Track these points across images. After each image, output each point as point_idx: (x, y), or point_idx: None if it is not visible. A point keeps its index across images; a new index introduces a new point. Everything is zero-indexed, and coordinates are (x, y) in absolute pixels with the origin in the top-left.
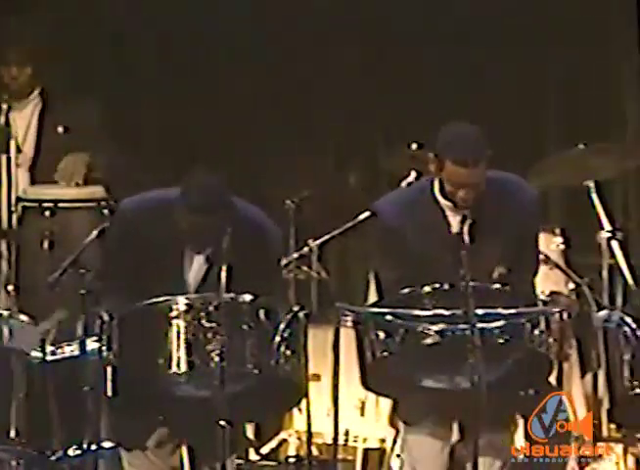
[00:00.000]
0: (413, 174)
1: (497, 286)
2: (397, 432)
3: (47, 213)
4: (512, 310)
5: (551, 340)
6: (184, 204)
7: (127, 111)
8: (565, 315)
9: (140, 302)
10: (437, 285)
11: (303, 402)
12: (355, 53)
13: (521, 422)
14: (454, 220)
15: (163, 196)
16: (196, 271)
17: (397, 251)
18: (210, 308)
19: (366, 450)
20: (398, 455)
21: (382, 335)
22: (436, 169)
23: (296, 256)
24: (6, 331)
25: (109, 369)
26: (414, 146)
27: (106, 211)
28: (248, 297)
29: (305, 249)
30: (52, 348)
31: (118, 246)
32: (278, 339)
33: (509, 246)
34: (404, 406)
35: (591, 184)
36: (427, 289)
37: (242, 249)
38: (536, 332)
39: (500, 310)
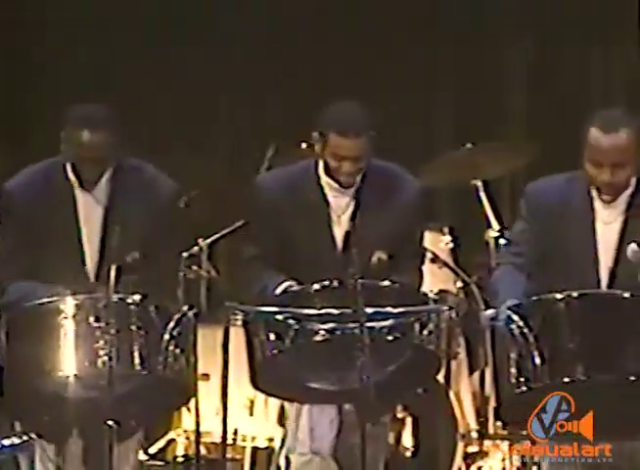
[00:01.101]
0: None
1: (386, 283)
2: (285, 431)
3: None
4: (401, 309)
5: (439, 338)
6: None
7: None
8: (453, 314)
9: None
10: (327, 283)
11: (192, 402)
12: (244, 53)
13: (409, 421)
14: (335, 202)
15: None
16: None
17: (271, 225)
18: (99, 308)
19: (255, 450)
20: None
21: (271, 334)
22: (321, 148)
23: (185, 255)
24: None
25: None
26: (304, 145)
27: None
28: (137, 296)
29: (195, 248)
30: None
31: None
32: (167, 338)
33: (390, 233)
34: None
35: (479, 183)
36: (316, 286)
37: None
38: (425, 331)
39: (389, 309)
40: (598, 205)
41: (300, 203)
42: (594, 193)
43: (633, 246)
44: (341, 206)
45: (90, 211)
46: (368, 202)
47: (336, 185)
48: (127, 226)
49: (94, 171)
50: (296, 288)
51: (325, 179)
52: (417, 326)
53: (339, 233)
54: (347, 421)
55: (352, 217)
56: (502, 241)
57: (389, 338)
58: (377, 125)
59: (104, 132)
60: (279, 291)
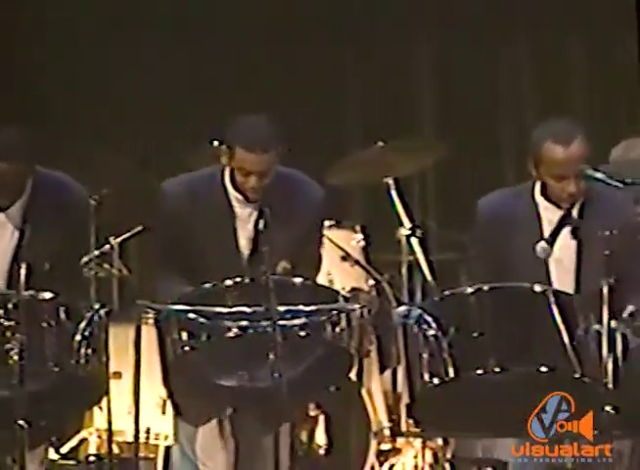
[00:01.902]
0: None
1: (299, 280)
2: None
3: None
4: (313, 307)
5: (351, 336)
6: None
7: None
8: (365, 312)
9: None
10: (239, 279)
11: (104, 401)
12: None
13: (321, 419)
14: (241, 212)
15: None
16: None
17: (174, 231)
18: (9, 306)
19: (167, 448)
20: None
21: (183, 333)
22: (228, 160)
23: (96, 253)
24: None
25: None
26: (216, 143)
27: None
28: (48, 294)
29: (106, 246)
30: None
31: None
32: (79, 337)
33: (294, 241)
34: (189, 409)
35: (390, 181)
36: (228, 282)
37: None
38: (337, 328)
39: (301, 307)
40: (545, 216)
41: (205, 210)
42: (542, 205)
43: (542, 243)
44: (245, 214)
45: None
46: (272, 209)
47: (241, 197)
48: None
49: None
50: (208, 285)
51: (231, 191)
52: (329, 324)
53: (244, 241)
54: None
55: (256, 224)
56: (412, 239)
57: (301, 336)
58: (285, 138)
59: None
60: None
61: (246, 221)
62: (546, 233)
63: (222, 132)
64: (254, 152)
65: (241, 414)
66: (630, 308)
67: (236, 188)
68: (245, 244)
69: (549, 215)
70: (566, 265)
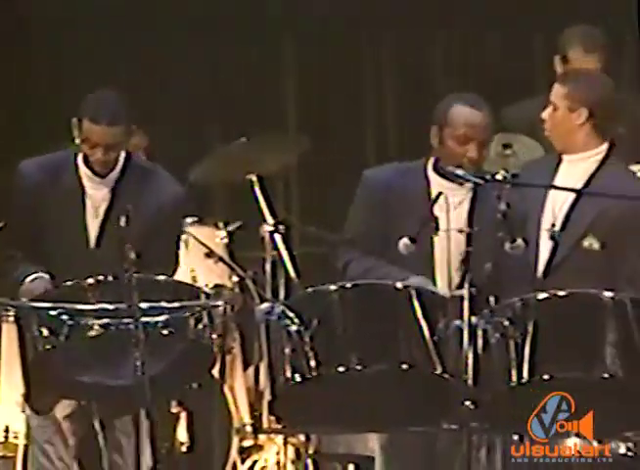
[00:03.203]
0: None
1: (162, 277)
2: None
3: None
4: (176, 304)
5: (214, 333)
6: None
7: None
8: (228, 308)
9: None
10: (101, 277)
11: None
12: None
13: (183, 415)
14: (92, 194)
15: None
16: None
17: (30, 213)
18: None
19: (27, 447)
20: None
21: (44, 330)
22: (78, 135)
23: None
24: None
25: None
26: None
27: None
28: None
29: None
30: None
31: None
32: None
33: (145, 232)
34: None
35: (254, 178)
36: (90, 281)
37: None
38: (199, 325)
39: (164, 304)
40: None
41: (59, 192)
42: (435, 181)
43: (405, 240)
44: (98, 198)
45: None
46: (125, 196)
47: (91, 174)
48: None
49: None
50: (69, 282)
51: (82, 169)
52: (192, 321)
53: (94, 225)
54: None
55: (108, 210)
56: (276, 236)
57: (164, 332)
58: (138, 119)
59: None
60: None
61: (98, 205)
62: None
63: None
64: (100, 124)
65: (102, 411)
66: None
67: (87, 165)
68: (94, 229)
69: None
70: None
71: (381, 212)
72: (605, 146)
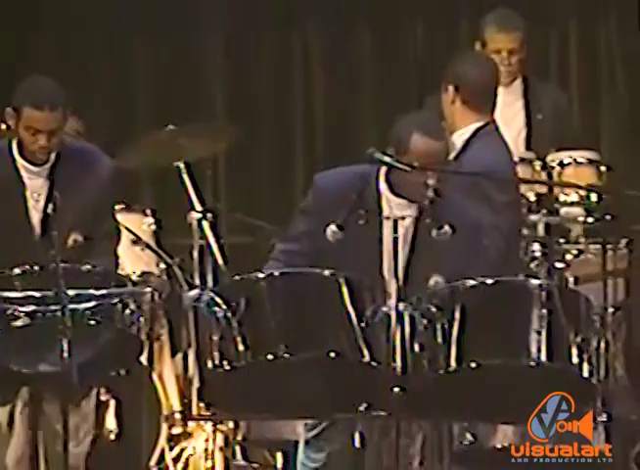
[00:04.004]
0: None
1: (88, 267)
2: None
3: None
4: (103, 291)
5: (142, 320)
6: None
7: None
8: (156, 296)
9: None
10: (28, 267)
11: None
12: None
13: (112, 403)
14: (30, 184)
15: None
16: None
17: None
18: None
19: None
20: None
21: None
22: (15, 124)
23: None
24: None
25: None
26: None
27: None
28: None
29: None
30: None
31: None
32: None
33: (85, 213)
34: None
35: (181, 165)
36: (16, 271)
37: None
38: (127, 312)
39: (91, 291)
40: (387, 197)
41: None
42: (383, 186)
43: (332, 227)
44: (36, 187)
45: None
46: (62, 182)
47: (29, 165)
48: None
49: None
50: None
51: (19, 161)
52: (119, 308)
53: (36, 216)
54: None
55: (48, 199)
56: (204, 223)
57: (91, 320)
58: (72, 103)
59: None
60: None
61: (38, 195)
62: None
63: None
64: (43, 109)
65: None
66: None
67: (24, 157)
68: (37, 219)
69: (391, 198)
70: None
71: (328, 218)
72: (476, 124)
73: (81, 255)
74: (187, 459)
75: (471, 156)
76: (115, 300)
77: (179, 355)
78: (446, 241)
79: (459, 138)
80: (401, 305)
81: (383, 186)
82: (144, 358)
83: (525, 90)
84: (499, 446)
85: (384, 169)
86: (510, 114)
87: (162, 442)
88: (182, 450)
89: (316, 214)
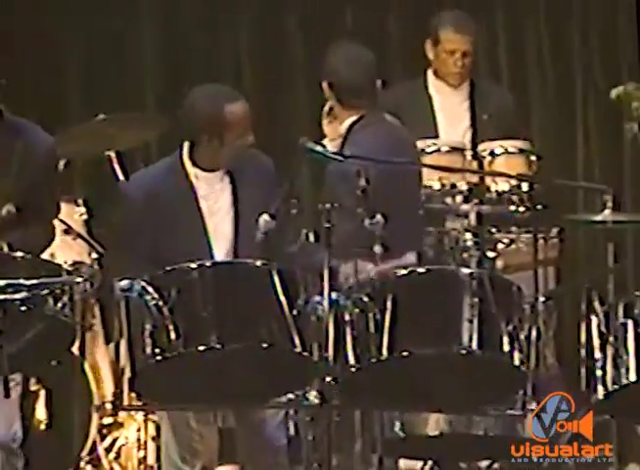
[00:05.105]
0: None
1: (19, 254)
2: None
3: None
4: (34, 281)
5: (74, 310)
6: None
7: None
8: (88, 285)
9: None
10: None
11: None
12: None
13: (42, 393)
14: None
15: None
16: None
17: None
18: None
19: None
20: None
21: None
22: None
23: None
24: None
25: None
26: None
27: None
28: None
29: None
30: None
31: None
32: None
33: (17, 185)
34: None
35: (112, 154)
36: None
37: None
38: (59, 302)
39: (22, 281)
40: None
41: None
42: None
43: (265, 216)
44: None
45: None
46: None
47: None
48: None
49: None
50: None
51: None
52: (50, 298)
53: None
54: None
55: None
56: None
57: (22, 310)
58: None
59: None
60: None
61: None
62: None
63: None
64: None
65: None
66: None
67: None
68: None
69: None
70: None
71: (147, 219)
72: (350, 120)
73: (12, 226)
74: (119, 449)
75: (347, 150)
76: (47, 289)
77: (111, 345)
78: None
79: (341, 132)
80: (333, 295)
81: (188, 164)
82: (76, 348)
83: (472, 92)
84: (431, 434)
85: (186, 149)
86: (456, 115)
87: (94, 432)
88: (114, 441)
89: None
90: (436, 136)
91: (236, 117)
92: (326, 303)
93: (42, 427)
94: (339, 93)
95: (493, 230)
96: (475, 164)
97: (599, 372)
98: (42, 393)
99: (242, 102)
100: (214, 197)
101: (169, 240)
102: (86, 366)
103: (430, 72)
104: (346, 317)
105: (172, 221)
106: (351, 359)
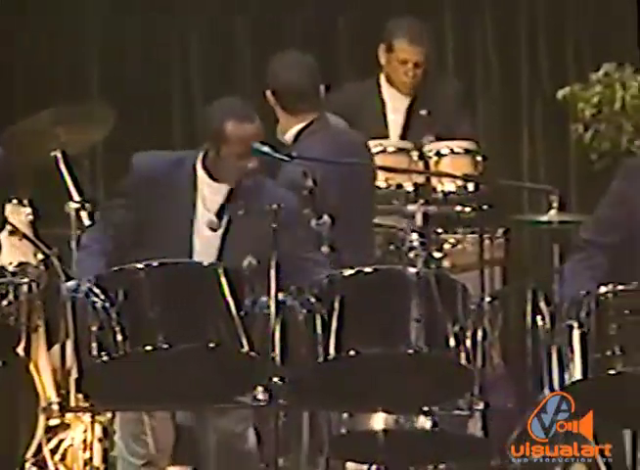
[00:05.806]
0: None
1: None
2: None
3: None
4: None
5: (19, 311)
6: None
7: None
8: (33, 286)
9: None
10: None
11: None
12: None
13: None
14: None
15: None
16: None
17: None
18: None
19: None
20: None
21: None
22: None
23: None
24: None
25: None
26: None
27: None
28: None
29: None
30: None
31: None
32: None
33: None
34: None
35: (59, 155)
36: None
37: None
38: (5, 303)
39: None
40: (203, 185)
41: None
42: (200, 172)
43: (211, 216)
44: None
45: None
46: None
47: None
48: None
49: None
50: None
51: None
52: None
53: None
54: None
55: None
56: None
57: None
58: None
59: None
60: None
61: None
62: (200, 202)
63: None
64: None
65: None
66: None
67: None
68: None
69: (209, 189)
70: (211, 239)
71: (146, 199)
72: (298, 126)
73: None
74: (65, 451)
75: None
76: None
77: (57, 346)
78: (258, 223)
79: (288, 140)
80: (281, 296)
81: (200, 172)
82: (21, 349)
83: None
84: (375, 429)
85: (201, 156)
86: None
87: (40, 433)
88: (60, 442)
89: (133, 194)
90: (387, 137)
91: (234, 135)
92: (272, 303)
93: None
94: (282, 99)
95: (439, 230)
96: (421, 165)
97: (545, 372)
98: None
99: (250, 125)
100: (211, 205)
101: (153, 227)
102: (31, 367)
103: (382, 77)
104: (294, 318)
105: (161, 211)
106: (298, 359)
